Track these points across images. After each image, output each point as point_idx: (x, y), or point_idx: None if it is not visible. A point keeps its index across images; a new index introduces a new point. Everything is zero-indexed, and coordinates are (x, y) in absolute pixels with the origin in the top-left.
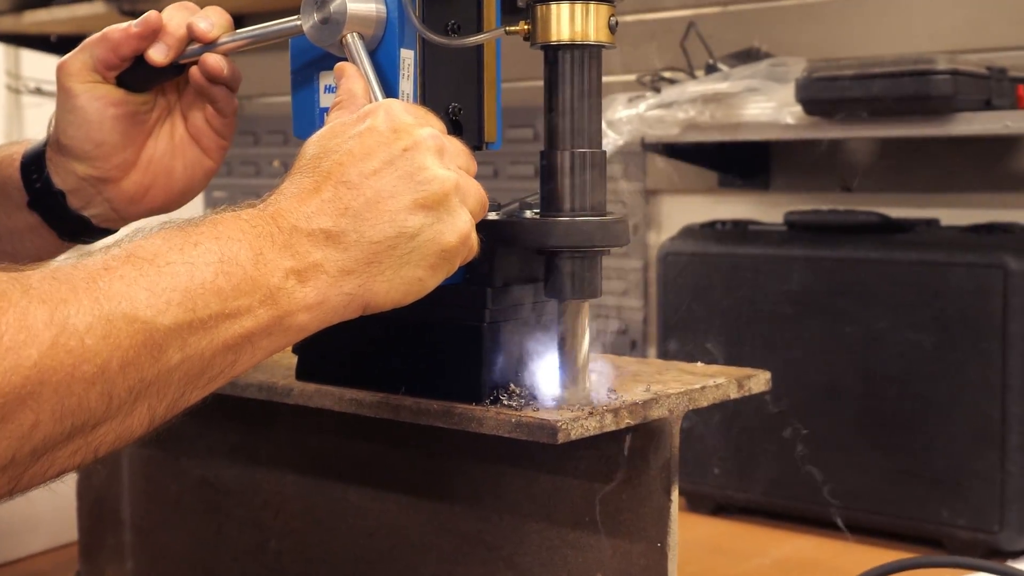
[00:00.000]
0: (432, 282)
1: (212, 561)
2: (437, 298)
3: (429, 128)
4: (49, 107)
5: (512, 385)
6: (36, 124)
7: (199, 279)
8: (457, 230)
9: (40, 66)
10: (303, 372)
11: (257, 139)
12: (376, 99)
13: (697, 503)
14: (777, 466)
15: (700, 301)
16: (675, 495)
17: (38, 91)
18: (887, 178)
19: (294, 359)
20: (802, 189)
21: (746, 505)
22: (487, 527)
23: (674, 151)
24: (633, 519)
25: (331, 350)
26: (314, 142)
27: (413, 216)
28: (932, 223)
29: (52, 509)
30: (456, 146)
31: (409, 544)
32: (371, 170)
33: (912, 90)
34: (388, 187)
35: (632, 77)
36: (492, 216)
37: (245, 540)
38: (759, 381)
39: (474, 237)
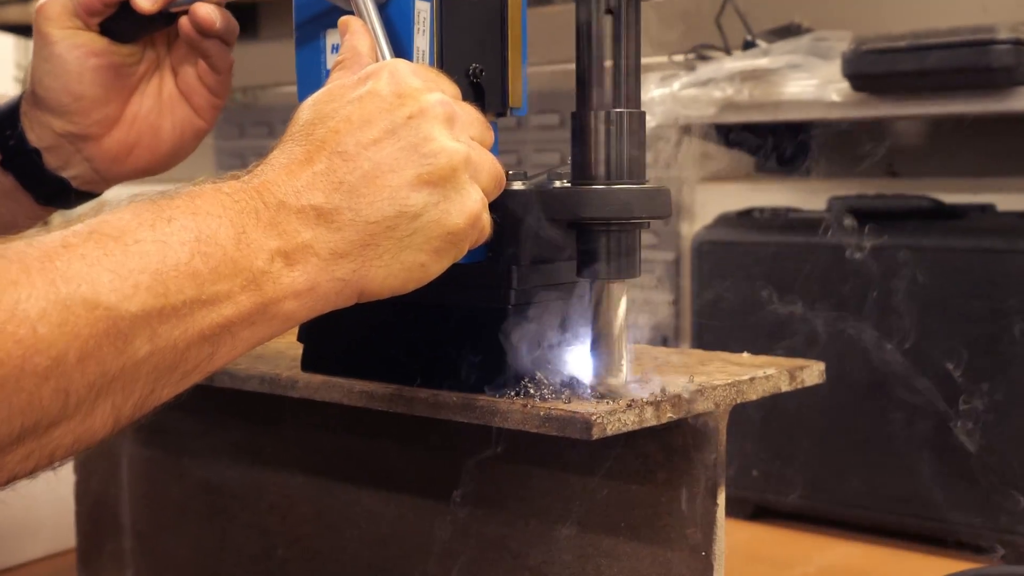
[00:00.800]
0: (436, 268)
1: (216, 569)
2: (457, 278)
3: (438, 93)
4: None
5: (540, 375)
6: None
7: (172, 260)
8: (466, 210)
9: None
10: (309, 362)
11: (272, 130)
12: (383, 58)
13: (734, 507)
14: (821, 468)
15: (737, 293)
16: (722, 498)
17: None
18: (938, 161)
19: (300, 348)
20: (845, 175)
21: (787, 509)
22: (512, 532)
23: (710, 134)
24: (675, 525)
25: (339, 338)
26: (309, 106)
27: (416, 193)
28: (987, 208)
29: (53, 513)
30: (470, 114)
31: (426, 551)
32: (370, 140)
33: (971, 62)
34: (389, 160)
35: (664, 58)
36: (518, 186)
37: (251, 547)
38: (813, 373)
39: (486, 218)
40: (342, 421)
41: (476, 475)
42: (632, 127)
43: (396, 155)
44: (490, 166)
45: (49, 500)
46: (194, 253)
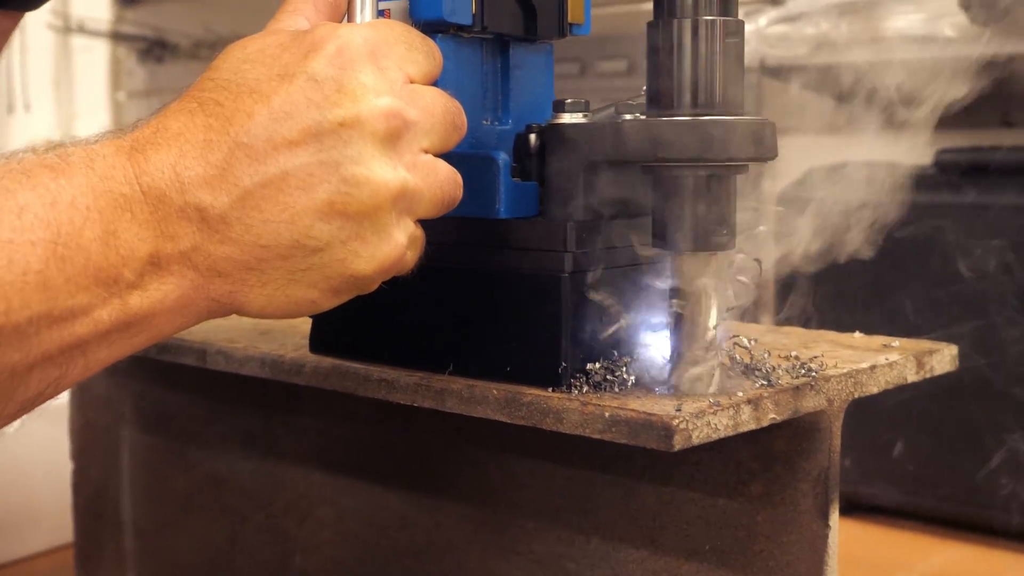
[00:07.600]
0: (329, 304)
1: None
2: (501, 238)
3: (387, 98)
4: (100, 49)
5: (603, 364)
6: (86, 69)
7: (20, 266)
8: (378, 257)
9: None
10: (319, 342)
11: None
12: (357, 16)
13: None
14: (926, 457)
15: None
16: (835, 519)
17: (81, 30)
18: None
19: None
20: (953, 125)
21: (884, 504)
22: (570, 552)
23: (799, 77)
24: (774, 551)
25: (355, 312)
26: (234, 58)
27: (323, 224)
28: None
29: (56, 503)
30: (430, 116)
31: (468, 568)
32: (285, 139)
33: None
34: (301, 172)
35: None
36: (577, 119)
37: (264, 552)
38: (943, 359)
39: (410, 257)
40: (368, 410)
41: (528, 481)
42: (728, 40)
43: (312, 169)
44: (435, 191)
45: (51, 489)
46: (49, 258)
